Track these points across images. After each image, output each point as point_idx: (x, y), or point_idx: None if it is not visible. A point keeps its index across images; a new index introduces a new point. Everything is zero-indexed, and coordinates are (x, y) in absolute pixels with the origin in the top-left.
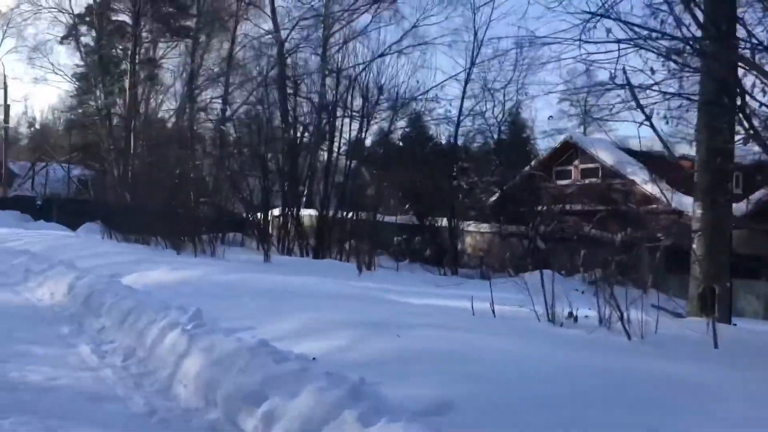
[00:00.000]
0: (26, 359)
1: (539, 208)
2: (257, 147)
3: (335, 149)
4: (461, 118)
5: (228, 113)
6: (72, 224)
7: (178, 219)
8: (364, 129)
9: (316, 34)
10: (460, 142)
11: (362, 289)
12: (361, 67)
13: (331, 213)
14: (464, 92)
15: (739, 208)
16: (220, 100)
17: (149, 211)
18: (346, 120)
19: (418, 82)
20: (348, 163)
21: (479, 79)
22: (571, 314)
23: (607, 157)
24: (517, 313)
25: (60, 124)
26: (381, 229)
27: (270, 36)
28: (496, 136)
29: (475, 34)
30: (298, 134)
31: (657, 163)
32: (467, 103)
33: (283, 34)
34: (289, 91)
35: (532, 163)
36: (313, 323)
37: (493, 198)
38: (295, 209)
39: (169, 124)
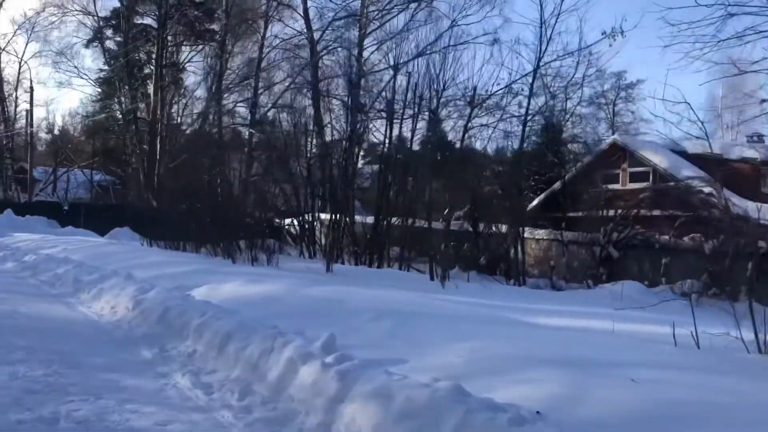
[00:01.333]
0: (117, 394)
1: (606, 213)
2: (292, 150)
3: (383, 152)
4: (527, 118)
5: (258, 116)
6: (99, 230)
7: (226, 226)
8: (416, 129)
9: (350, 34)
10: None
11: (470, 306)
12: (413, 63)
13: (383, 220)
14: (531, 91)
15: None
16: (245, 104)
17: (192, 218)
18: (397, 122)
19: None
20: (394, 167)
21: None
22: None
23: (659, 159)
24: (718, 341)
25: (81, 128)
26: (430, 236)
27: (302, 36)
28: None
29: (542, 26)
30: (339, 137)
31: (713, 166)
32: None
33: (315, 35)
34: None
35: (577, 166)
36: (480, 357)
37: (533, 203)
38: (347, 215)
39: (193, 129)
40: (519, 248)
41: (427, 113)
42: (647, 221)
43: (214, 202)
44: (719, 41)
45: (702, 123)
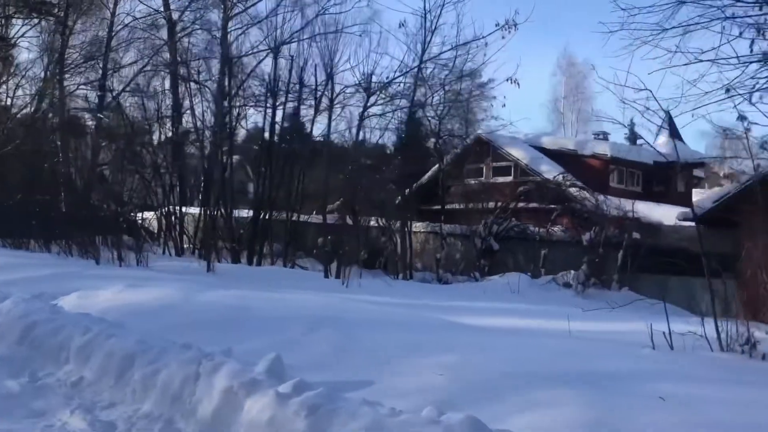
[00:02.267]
0: None
1: (484, 205)
2: (142, 138)
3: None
4: (393, 110)
5: (107, 100)
6: None
7: (78, 221)
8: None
9: (213, 17)
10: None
11: (400, 308)
12: (289, 48)
13: (263, 214)
14: (416, 84)
15: (702, 203)
16: (90, 87)
17: (35, 211)
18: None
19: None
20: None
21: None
22: (748, 341)
23: (520, 154)
24: (679, 339)
25: None
26: (307, 231)
27: (159, 15)
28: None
29: (424, 17)
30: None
31: (569, 161)
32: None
33: (175, 15)
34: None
35: (445, 160)
36: (465, 375)
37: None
38: (223, 209)
39: (27, 112)
40: (407, 242)
41: (292, 101)
42: (522, 214)
43: (57, 194)
44: (663, 30)
45: (668, 112)
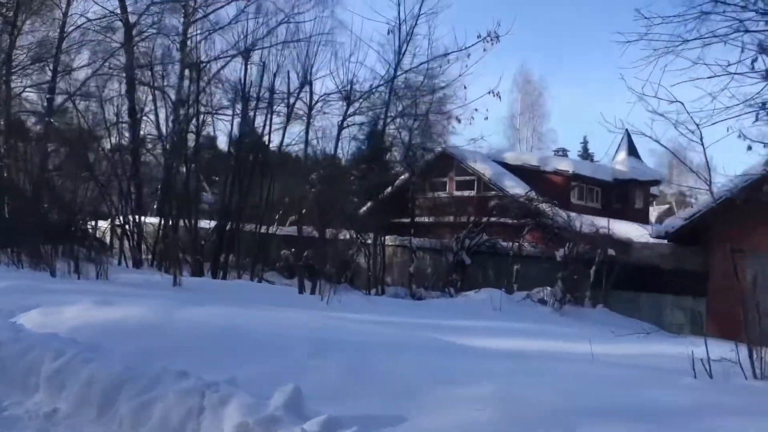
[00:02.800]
0: None
1: (458, 219)
2: (90, 143)
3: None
4: (388, 120)
5: (57, 104)
6: None
7: (27, 229)
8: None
9: (173, 22)
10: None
11: (402, 329)
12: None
13: (229, 225)
14: (390, 95)
15: (672, 223)
16: (37, 89)
17: None
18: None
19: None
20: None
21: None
22: None
23: (483, 169)
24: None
25: None
26: (267, 243)
27: (115, 18)
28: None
29: (399, 28)
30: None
31: (532, 177)
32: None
33: (132, 18)
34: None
35: (406, 175)
36: (511, 410)
37: (364, 209)
38: (187, 219)
39: None
40: (378, 256)
41: (262, 109)
42: (493, 228)
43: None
44: (684, 41)
45: (626, 130)
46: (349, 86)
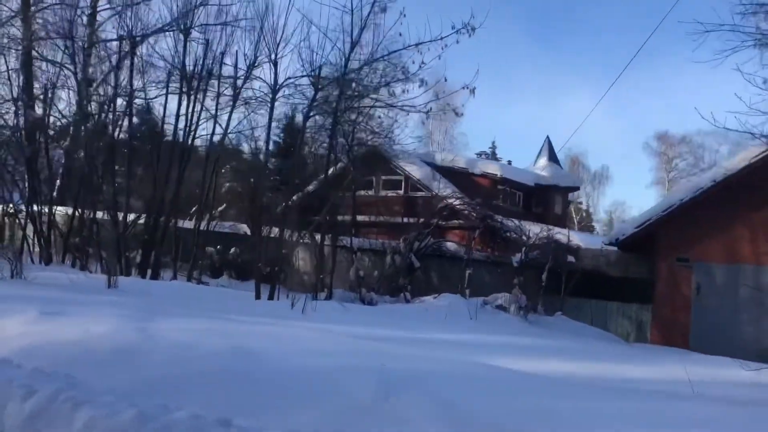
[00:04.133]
0: None
1: (406, 220)
2: None
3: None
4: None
5: None
6: None
7: None
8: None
9: None
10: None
11: (415, 347)
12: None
13: (155, 218)
14: (341, 86)
15: (622, 230)
16: None
17: None
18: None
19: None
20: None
21: None
22: None
23: (412, 169)
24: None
25: None
26: (185, 239)
27: None
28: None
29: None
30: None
31: (460, 179)
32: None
33: None
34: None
35: (330, 171)
36: None
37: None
38: (110, 211)
39: None
40: (323, 256)
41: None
42: (442, 231)
43: None
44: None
45: (547, 136)
46: (318, 69)
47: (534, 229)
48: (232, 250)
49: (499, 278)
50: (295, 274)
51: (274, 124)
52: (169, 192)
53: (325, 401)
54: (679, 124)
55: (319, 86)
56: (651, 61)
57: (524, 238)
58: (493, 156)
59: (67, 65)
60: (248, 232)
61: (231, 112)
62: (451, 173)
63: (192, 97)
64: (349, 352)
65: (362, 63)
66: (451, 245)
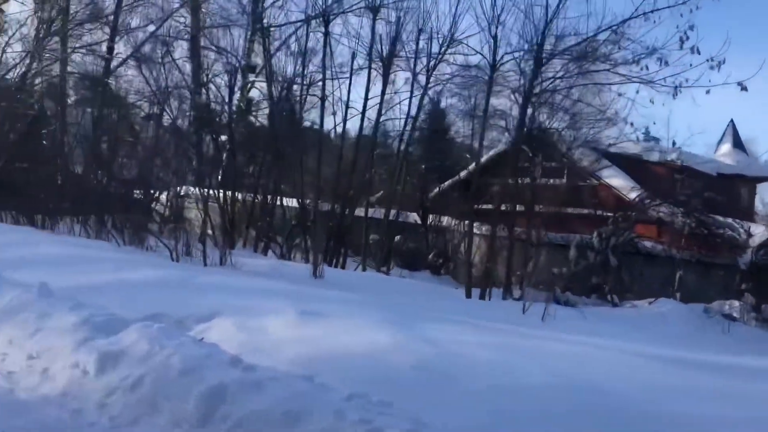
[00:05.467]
0: None
1: (597, 212)
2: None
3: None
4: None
5: (114, 65)
6: None
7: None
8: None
9: None
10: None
11: (684, 369)
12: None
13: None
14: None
15: None
16: (89, 50)
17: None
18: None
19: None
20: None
21: None
22: None
23: (577, 155)
24: None
25: None
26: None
27: None
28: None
29: None
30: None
31: (632, 167)
32: None
33: None
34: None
35: (487, 156)
36: None
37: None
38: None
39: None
40: (476, 247)
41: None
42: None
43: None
44: None
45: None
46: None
47: (757, 228)
48: (397, 238)
49: (709, 281)
50: (463, 266)
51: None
52: (356, 179)
53: None
54: None
55: (544, 60)
56: None
57: (743, 235)
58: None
59: (231, 52)
60: (416, 220)
61: (423, 95)
62: (620, 160)
63: (386, 79)
64: (693, 389)
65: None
66: (647, 242)
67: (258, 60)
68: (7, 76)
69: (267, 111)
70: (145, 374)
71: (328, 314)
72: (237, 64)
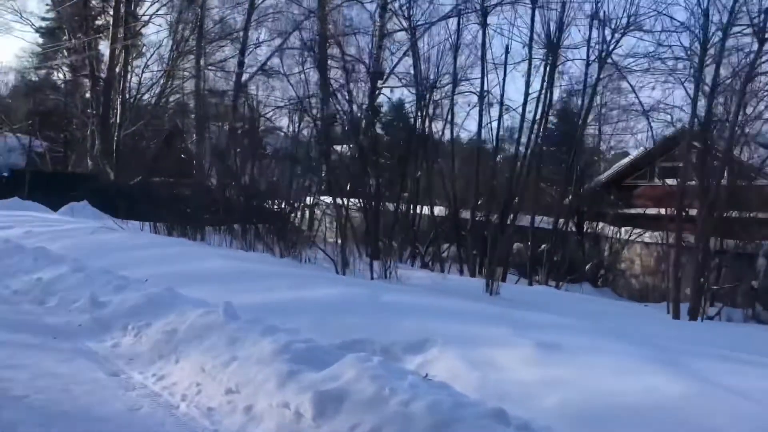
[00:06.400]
0: None
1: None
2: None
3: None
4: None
5: (244, 79)
6: (47, 202)
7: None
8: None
9: None
10: None
11: None
12: None
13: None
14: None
15: None
16: (220, 65)
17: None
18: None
19: None
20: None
21: None
22: None
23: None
24: None
25: (12, 86)
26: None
27: None
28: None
29: None
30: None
31: None
32: None
33: None
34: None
35: (632, 156)
36: None
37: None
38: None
39: (156, 92)
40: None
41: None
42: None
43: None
44: None
45: None
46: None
47: None
48: (542, 246)
49: None
50: (623, 278)
51: None
52: (514, 184)
53: None
54: None
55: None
56: None
57: None
58: None
59: (359, 59)
60: (571, 227)
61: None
62: None
63: (552, 71)
64: None
65: None
66: None
67: (385, 65)
68: (145, 96)
69: (411, 115)
70: (382, 426)
71: (566, 347)
72: (367, 71)
